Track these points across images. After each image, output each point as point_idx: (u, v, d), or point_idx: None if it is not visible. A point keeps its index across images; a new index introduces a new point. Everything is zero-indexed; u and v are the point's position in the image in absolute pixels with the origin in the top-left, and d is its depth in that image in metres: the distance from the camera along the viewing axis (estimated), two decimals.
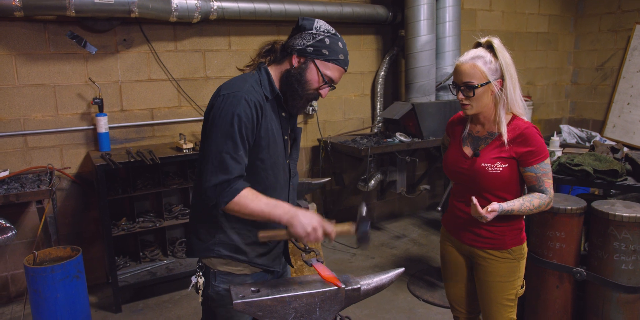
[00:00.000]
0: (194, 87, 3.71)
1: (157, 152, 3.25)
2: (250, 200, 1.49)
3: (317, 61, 1.57)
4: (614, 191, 4.10)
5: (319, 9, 3.85)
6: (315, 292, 1.51)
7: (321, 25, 1.58)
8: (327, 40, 1.56)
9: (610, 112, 5.62)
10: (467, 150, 1.92)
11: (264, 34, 3.92)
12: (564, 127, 5.43)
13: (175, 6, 3.26)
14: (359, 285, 1.58)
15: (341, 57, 1.59)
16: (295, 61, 1.59)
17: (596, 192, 4.09)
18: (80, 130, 3.35)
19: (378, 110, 4.55)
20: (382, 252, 4.18)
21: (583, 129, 5.44)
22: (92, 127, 3.37)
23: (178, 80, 3.64)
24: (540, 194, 1.85)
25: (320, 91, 1.62)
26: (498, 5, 5.21)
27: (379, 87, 4.51)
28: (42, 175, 3.10)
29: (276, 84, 1.62)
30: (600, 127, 5.78)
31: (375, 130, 4.52)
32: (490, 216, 1.75)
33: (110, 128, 3.36)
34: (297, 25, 1.59)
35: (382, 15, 4.23)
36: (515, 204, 1.80)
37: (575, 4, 5.88)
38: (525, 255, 1.97)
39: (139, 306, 3.29)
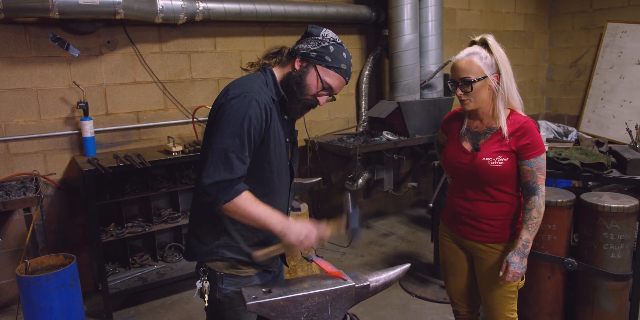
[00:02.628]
0: (180, 89, 3.67)
1: (145, 155, 3.19)
2: (249, 203, 1.49)
3: (318, 66, 1.58)
4: (591, 183, 4.23)
5: (304, 9, 3.85)
6: (327, 291, 1.52)
7: (328, 33, 1.61)
8: (331, 48, 1.58)
9: (585, 107, 5.80)
10: (467, 146, 1.95)
11: (249, 34, 3.90)
12: (542, 123, 5.57)
13: (160, 7, 3.21)
14: (367, 282, 1.60)
15: (343, 66, 1.60)
16: (297, 64, 1.60)
17: (576, 185, 4.21)
18: (64, 135, 3.27)
19: (363, 110, 4.58)
20: (372, 250, 4.22)
21: (560, 124, 5.59)
22: (76, 131, 3.29)
23: (164, 83, 3.59)
24: (532, 199, 1.85)
25: (318, 98, 1.63)
26: (476, 5, 5.32)
27: (364, 87, 4.55)
28: (27, 182, 3.01)
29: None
30: (575, 122, 5.95)
31: (361, 130, 4.55)
32: (520, 271, 1.84)
33: (95, 132, 3.28)
34: (305, 32, 1.63)
35: (366, 15, 4.26)
36: (524, 234, 1.85)
37: (549, 3, 6.05)
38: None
39: (130, 313, 3.23)
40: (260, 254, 1.58)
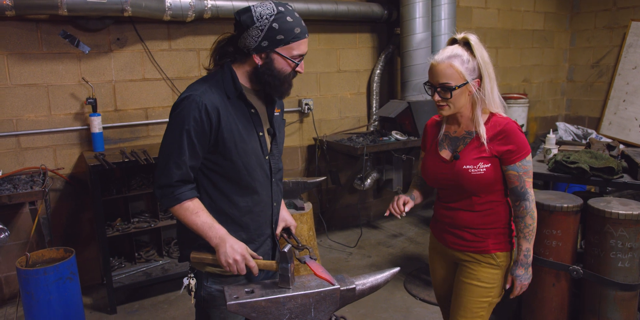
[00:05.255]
0: None
1: (151, 151, 3.22)
2: (190, 213, 1.53)
3: (278, 50, 1.50)
4: (609, 188, 4.10)
5: (314, 7, 3.83)
6: (310, 293, 1.50)
7: (260, 12, 1.46)
8: (275, 25, 1.46)
9: (606, 109, 5.63)
10: (445, 154, 1.82)
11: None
12: (560, 125, 5.42)
13: (168, 5, 3.23)
14: (353, 285, 1.57)
15: (297, 30, 1.49)
16: (257, 59, 1.52)
17: (592, 190, 4.09)
18: (73, 130, 3.33)
19: (374, 109, 4.54)
20: (379, 251, 4.18)
21: (579, 126, 5.43)
22: (85, 127, 3.34)
23: (172, 80, 3.61)
24: (523, 205, 1.75)
25: (297, 70, 1.57)
26: (494, 3, 5.21)
27: (375, 86, 4.50)
28: (35, 176, 3.08)
29: (242, 81, 1.58)
30: (596, 124, 5.78)
31: (371, 129, 4.51)
32: (527, 282, 1.81)
33: (104, 128, 3.33)
34: (236, 22, 1.50)
35: (378, 13, 4.21)
36: (523, 244, 1.76)
37: (571, 1, 5.88)
38: (507, 264, 1.85)
39: (134, 307, 3.27)
40: (196, 255, 1.61)
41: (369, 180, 4.22)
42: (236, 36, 1.54)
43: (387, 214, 1.89)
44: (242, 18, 1.48)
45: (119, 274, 3.29)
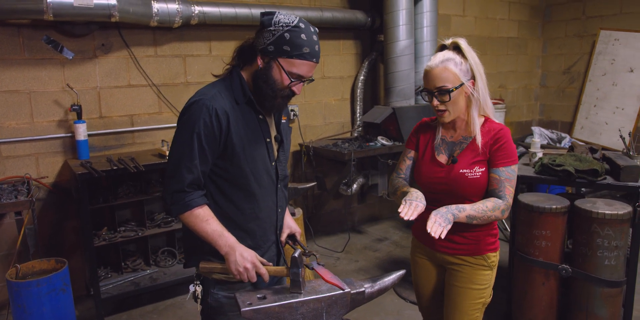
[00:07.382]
0: (175, 92, 3.65)
1: (139, 159, 3.17)
2: (200, 220, 1.53)
3: (280, 59, 1.50)
4: (584, 189, 4.25)
5: (299, 13, 3.86)
6: (322, 297, 1.51)
7: (280, 19, 1.49)
8: (286, 36, 1.47)
9: (578, 114, 5.84)
10: (442, 158, 1.83)
11: (245, 38, 3.88)
12: (536, 129, 5.60)
13: (156, 11, 3.20)
14: (363, 289, 1.59)
15: (306, 50, 1.50)
16: (260, 61, 1.54)
17: (570, 191, 4.24)
18: (57, 138, 3.24)
19: (358, 115, 4.59)
20: (366, 255, 4.21)
21: (553, 131, 5.62)
22: (69, 134, 3.26)
23: (158, 86, 3.57)
24: (495, 199, 1.74)
25: (293, 88, 1.56)
26: (471, 11, 5.36)
27: (359, 92, 4.55)
28: (19, 185, 2.98)
29: (249, 86, 1.60)
30: (568, 128, 5.99)
31: (356, 134, 4.55)
32: (439, 228, 1.61)
33: (89, 135, 3.26)
34: (260, 22, 1.54)
35: (361, 20, 4.28)
36: (465, 206, 1.70)
37: (543, 10, 6.10)
38: (497, 264, 1.88)
39: (122, 318, 3.20)
40: (205, 265, 1.60)
41: (355, 186, 4.26)
42: (255, 36, 1.57)
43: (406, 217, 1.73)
44: (263, 18, 1.52)
45: (106, 284, 3.21)
